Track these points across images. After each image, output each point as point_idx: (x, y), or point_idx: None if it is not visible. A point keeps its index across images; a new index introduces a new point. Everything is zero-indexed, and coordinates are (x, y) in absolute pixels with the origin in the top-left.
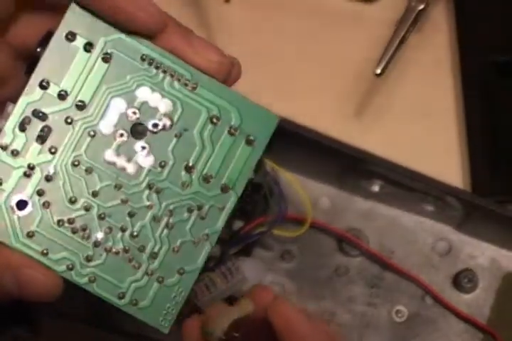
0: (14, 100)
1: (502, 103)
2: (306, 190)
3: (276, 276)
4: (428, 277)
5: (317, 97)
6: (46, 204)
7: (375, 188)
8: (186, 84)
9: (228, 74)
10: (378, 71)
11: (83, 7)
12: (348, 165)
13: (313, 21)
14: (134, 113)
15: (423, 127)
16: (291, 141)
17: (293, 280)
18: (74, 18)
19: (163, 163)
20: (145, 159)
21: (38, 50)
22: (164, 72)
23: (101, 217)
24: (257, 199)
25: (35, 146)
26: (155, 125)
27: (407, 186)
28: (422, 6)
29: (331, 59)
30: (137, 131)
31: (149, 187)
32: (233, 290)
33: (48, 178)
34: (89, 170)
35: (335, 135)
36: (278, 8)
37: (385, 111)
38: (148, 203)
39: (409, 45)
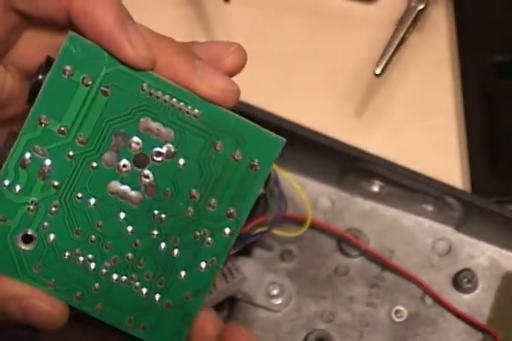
0: (20, 123)
1: (502, 103)
2: (306, 190)
3: (276, 276)
4: (428, 277)
5: (317, 97)
6: (52, 238)
7: (375, 188)
8: (188, 113)
9: (233, 100)
10: (378, 71)
11: (81, 35)
12: (348, 165)
13: (313, 21)
14: (137, 143)
15: (423, 127)
16: (291, 141)
17: (293, 280)
18: (71, 48)
19: (167, 192)
20: (149, 188)
21: (40, 77)
22: (165, 101)
23: (107, 248)
24: (256, 199)
25: (38, 183)
26: (158, 154)
27: (407, 186)
28: (421, 6)
29: (330, 59)
30: (140, 161)
31: (154, 216)
32: (233, 290)
33: (52, 212)
34: (93, 203)
35: (335, 135)
36: (278, 8)
37: (384, 111)
38: (153, 232)
39: (409, 45)
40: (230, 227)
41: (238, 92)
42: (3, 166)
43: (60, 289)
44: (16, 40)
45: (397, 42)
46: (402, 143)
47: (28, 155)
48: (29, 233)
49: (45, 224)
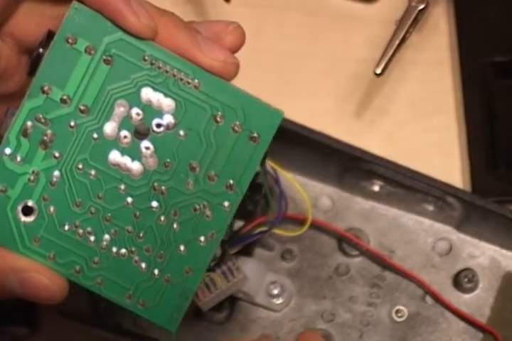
0: (16, 101)
1: (502, 103)
2: (307, 190)
3: (277, 276)
4: (428, 277)
5: (317, 97)
6: (52, 209)
7: (376, 188)
8: (189, 83)
9: (233, 73)
10: (378, 71)
11: (84, 4)
12: (348, 165)
13: (313, 21)
14: (138, 114)
15: (423, 127)
16: (292, 141)
17: (293, 280)
18: (75, 17)
19: (167, 164)
20: (149, 160)
21: (41, 50)
22: (166, 71)
23: (106, 220)
24: (257, 198)
25: (39, 152)
26: (158, 125)
27: (408, 186)
28: (422, 6)
29: (331, 59)
30: (141, 132)
31: (154, 188)
32: (234, 289)
33: (53, 183)
34: (93, 174)
35: (335, 135)
36: (278, 8)
37: (385, 111)
38: (153, 204)
39: (409, 45)
40: (229, 200)
41: (238, 65)
42: (5, 135)
43: (59, 262)
44: (14, 11)
45: (397, 42)
46: (403, 143)
47: (29, 124)
48: (29, 204)
49: (46, 195)
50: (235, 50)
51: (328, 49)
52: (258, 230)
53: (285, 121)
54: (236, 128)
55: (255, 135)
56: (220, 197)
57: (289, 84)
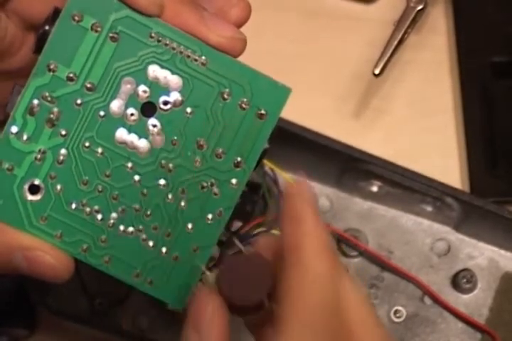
0: (22, 77)
1: (500, 104)
2: None
3: None
4: (427, 277)
5: (316, 97)
6: (59, 188)
7: (374, 189)
8: (196, 60)
9: (240, 49)
10: (377, 71)
11: None
12: (346, 166)
13: (312, 21)
14: (145, 91)
15: (422, 127)
16: (290, 142)
17: None
18: None
19: (174, 141)
20: (156, 138)
21: (46, 28)
22: (173, 48)
23: (114, 198)
24: (256, 199)
25: (46, 130)
26: (165, 103)
27: (406, 186)
28: (420, 6)
29: (330, 59)
30: (148, 109)
31: (161, 165)
32: None
33: (60, 161)
34: (100, 152)
35: (334, 135)
36: (278, 8)
37: (383, 112)
38: (160, 182)
39: (407, 46)
40: (236, 178)
41: (245, 41)
42: (11, 113)
43: (66, 241)
44: None
45: (396, 42)
46: (401, 144)
47: (36, 102)
48: (36, 183)
49: (53, 173)
50: (241, 23)
51: (326, 49)
52: (257, 231)
53: (284, 121)
54: (243, 105)
55: (263, 112)
56: (228, 175)
57: (288, 84)
